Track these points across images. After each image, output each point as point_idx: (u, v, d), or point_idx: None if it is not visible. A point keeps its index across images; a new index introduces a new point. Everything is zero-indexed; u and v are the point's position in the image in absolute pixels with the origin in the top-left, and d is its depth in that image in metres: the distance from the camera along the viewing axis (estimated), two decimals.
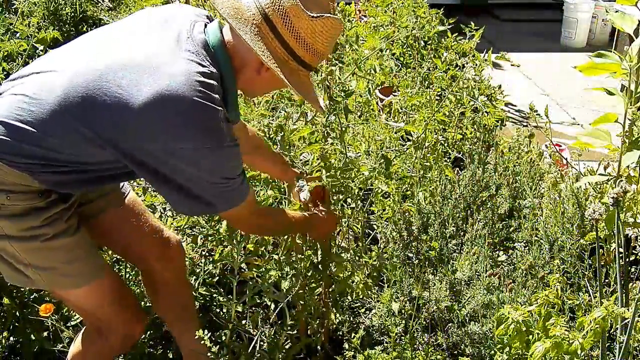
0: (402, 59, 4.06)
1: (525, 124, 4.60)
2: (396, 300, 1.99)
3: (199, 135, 1.36)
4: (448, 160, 2.85)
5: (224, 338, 2.04)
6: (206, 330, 1.56)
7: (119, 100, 1.34)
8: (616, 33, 5.92)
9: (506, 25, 7.91)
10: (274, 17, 1.40)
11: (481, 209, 2.36)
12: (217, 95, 1.38)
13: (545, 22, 8.02)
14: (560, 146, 3.22)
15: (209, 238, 2.17)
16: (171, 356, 2.16)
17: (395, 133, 2.63)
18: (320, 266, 1.98)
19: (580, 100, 5.37)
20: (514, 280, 1.97)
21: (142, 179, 1.86)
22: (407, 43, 4.00)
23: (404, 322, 1.97)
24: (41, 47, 3.76)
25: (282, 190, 2.15)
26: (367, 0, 4.59)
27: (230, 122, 1.46)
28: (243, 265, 2.11)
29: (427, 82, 3.18)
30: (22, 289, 2.10)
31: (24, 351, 2.08)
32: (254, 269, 2.02)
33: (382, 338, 2.09)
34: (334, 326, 2.20)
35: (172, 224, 2.19)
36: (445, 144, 2.96)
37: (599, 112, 4.67)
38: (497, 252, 2.23)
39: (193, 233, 2.25)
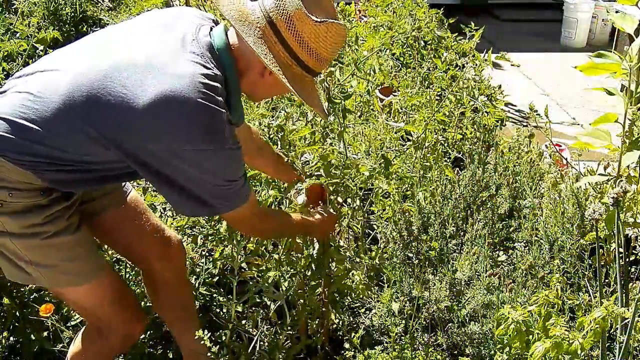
0: (402, 59, 4.06)
1: (525, 124, 4.60)
2: (396, 300, 1.99)
3: (202, 137, 1.37)
4: (448, 160, 2.85)
5: (224, 338, 2.04)
6: (206, 330, 1.57)
7: (123, 100, 1.35)
8: (616, 33, 5.92)
9: (506, 25, 7.91)
10: (278, 22, 1.41)
11: (481, 209, 2.36)
12: (220, 98, 1.39)
13: (545, 22, 8.02)
14: (560, 146, 3.22)
15: (209, 238, 2.17)
16: (171, 356, 2.16)
17: (395, 133, 2.63)
18: (319, 264, 1.98)
19: (580, 100, 5.37)
20: (514, 280, 1.97)
21: (144, 179, 1.86)
22: (407, 43, 4.00)
23: (404, 322, 1.97)
24: (41, 47, 3.76)
25: (282, 190, 2.16)
26: (367, 0, 4.59)
27: (233, 125, 1.47)
28: (243, 265, 2.11)
29: (427, 82, 3.18)
30: (22, 289, 2.10)
31: (24, 351, 2.08)
32: (254, 268, 2.03)
33: (382, 338, 2.09)
34: (334, 326, 2.20)
35: (172, 224, 2.19)
36: (445, 144, 2.96)
37: (599, 112, 4.67)
38: (497, 252, 2.23)
39: (193, 233, 2.25)
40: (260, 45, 1.41)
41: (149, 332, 2.13)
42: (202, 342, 1.56)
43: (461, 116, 3.05)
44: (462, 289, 2.01)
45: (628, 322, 1.44)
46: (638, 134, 2.03)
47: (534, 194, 2.50)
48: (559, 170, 2.63)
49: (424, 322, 1.97)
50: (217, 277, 2.26)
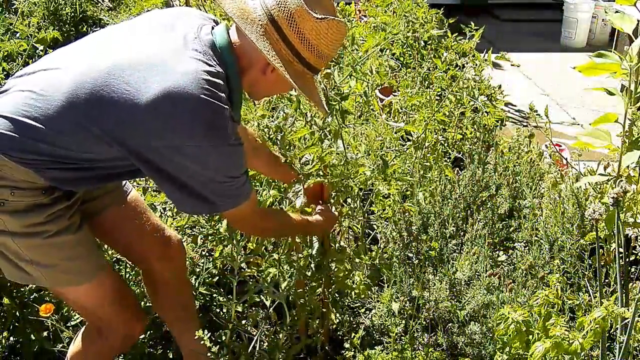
0: (402, 59, 4.06)
1: (525, 124, 4.60)
2: (396, 300, 1.99)
3: (204, 133, 1.37)
4: (448, 160, 2.85)
5: (224, 338, 2.04)
6: (206, 330, 1.57)
7: (127, 97, 1.35)
8: (616, 33, 5.92)
9: (506, 25, 7.91)
10: (280, 19, 1.42)
11: (481, 209, 2.36)
12: (223, 94, 1.40)
13: (545, 22, 8.01)
14: (560, 146, 3.22)
15: (209, 238, 2.17)
16: (171, 356, 2.16)
17: (395, 133, 2.63)
18: (319, 264, 1.98)
19: (580, 100, 5.37)
20: (514, 280, 1.97)
21: (147, 177, 1.87)
22: (407, 43, 4.00)
23: (404, 322, 1.97)
24: (41, 47, 3.76)
25: (282, 190, 2.15)
26: (367, 0, 4.59)
27: (235, 122, 1.47)
28: (243, 264, 2.11)
29: (427, 82, 3.18)
30: (22, 289, 2.10)
31: (24, 351, 2.08)
32: (253, 267, 2.03)
33: (382, 338, 2.09)
34: (334, 326, 2.20)
35: (172, 223, 2.19)
36: (445, 144, 2.96)
37: (599, 112, 4.67)
38: (497, 252, 2.23)
39: (193, 233, 2.25)
40: (263, 42, 1.42)
41: (149, 332, 2.13)
42: (202, 342, 1.56)
43: (461, 116, 3.05)
44: (462, 289, 2.01)
45: (628, 322, 1.44)
46: (638, 134, 2.03)
47: (534, 194, 2.50)
48: (559, 170, 2.63)
49: (424, 322, 1.97)
50: (217, 277, 2.26)
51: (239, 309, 2.11)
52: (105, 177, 1.54)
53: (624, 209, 1.91)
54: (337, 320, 2.19)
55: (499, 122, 3.21)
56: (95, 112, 1.38)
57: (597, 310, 1.37)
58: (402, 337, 1.94)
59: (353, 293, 2.11)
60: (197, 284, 2.14)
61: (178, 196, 1.47)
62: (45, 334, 2.10)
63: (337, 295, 2.12)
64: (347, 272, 2.05)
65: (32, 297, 2.11)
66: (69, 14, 4.68)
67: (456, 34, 3.52)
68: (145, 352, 2.10)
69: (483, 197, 2.40)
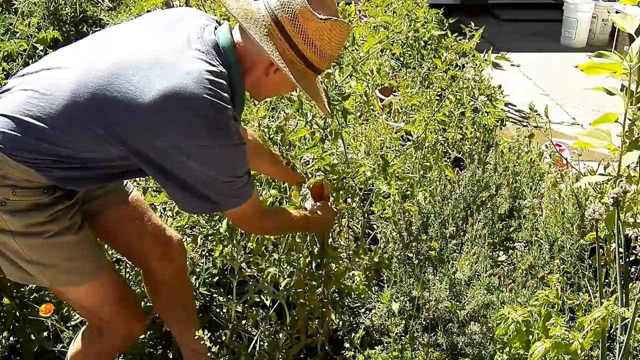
0: (402, 59, 4.06)
1: (525, 124, 4.60)
2: (396, 300, 1.99)
3: (207, 132, 1.38)
4: (448, 160, 2.85)
5: (224, 338, 2.04)
6: (206, 330, 1.57)
7: (130, 97, 1.36)
8: (616, 33, 5.92)
9: (506, 25, 7.91)
10: (283, 19, 1.43)
11: (481, 209, 2.36)
12: (226, 94, 1.40)
13: (545, 22, 8.02)
14: (560, 146, 3.22)
15: (209, 238, 2.17)
16: (171, 356, 2.16)
17: (395, 133, 2.63)
18: (319, 261, 1.98)
19: (580, 100, 5.37)
20: (514, 280, 1.97)
21: (148, 177, 1.86)
22: (407, 43, 4.00)
23: (404, 322, 1.97)
24: (41, 47, 3.76)
25: (283, 189, 2.15)
26: (367, 0, 4.59)
27: (237, 122, 1.47)
28: (243, 264, 2.11)
29: (427, 82, 3.18)
30: (22, 289, 2.10)
31: (24, 351, 2.08)
32: (253, 267, 2.03)
33: (382, 338, 2.09)
34: (334, 326, 2.20)
35: (172, 224, 2.19)
36: (445, 144, 2.96)
37: (599, 112, 4.67)
38: (497, 252, 2.23)
39: (193, 233, 2.25)
40: (267, 42, 1.43)
41: (149, 332, 2.13)
42: (202, 342, 1.56)
43: (461, 116, 3.05)
44: (462, 289, 2.01)
45: (628, 322, 1.44)
46: (638, 134, 2.03)
47: (534, 194, 2.50)
48: (559, 170, 2.63)
49: (424, 322, 1.97)
50: (217, 277, 2.26)
51: (239, 309, 2.11)
52: (107, 176, 1.54)
53: (624, 209, 1.91)
54: (337, 320, 2.19)
55: (499, 122, 3.21)
56: (98, 111, 1.38)
57: (597, 310, 1.37)
58: (402, 337, 1.94)
59: (353, 293, 2.11)
60: (197, 284, 2.14)
61: (180, 196, 1.48)
62: (45, 334, 2.10)
63: (337, 295, 2.12)
64: (347, 272, 2.05)
65: (32, 297, 2.11)
66: (69, 14, 4.68)
67: (456, 34, 3.52)
68: (145, 352, 2.10)
69: (483, 197, 2.40)
